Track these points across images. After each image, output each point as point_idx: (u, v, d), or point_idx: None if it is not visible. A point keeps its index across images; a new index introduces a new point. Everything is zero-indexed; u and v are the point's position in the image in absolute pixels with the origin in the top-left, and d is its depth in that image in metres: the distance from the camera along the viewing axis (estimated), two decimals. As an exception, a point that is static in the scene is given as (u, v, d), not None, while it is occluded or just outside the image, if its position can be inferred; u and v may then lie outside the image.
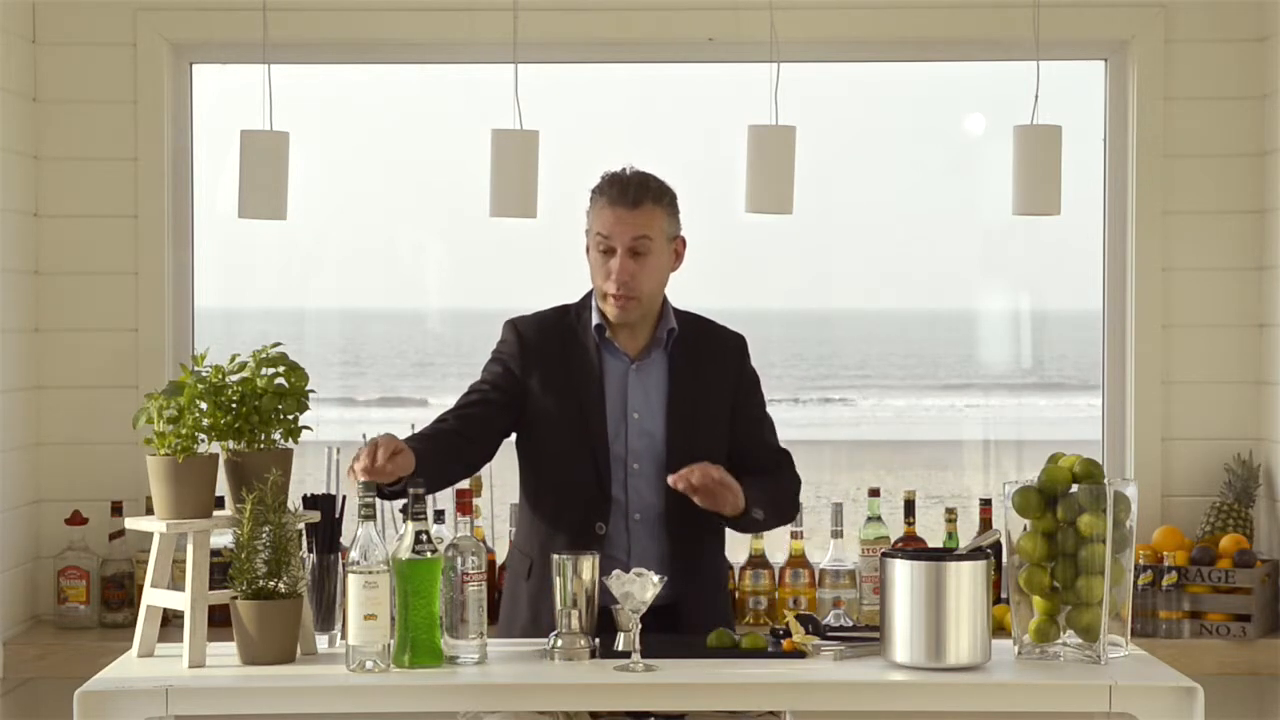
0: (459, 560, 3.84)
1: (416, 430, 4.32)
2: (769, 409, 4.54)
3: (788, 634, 3.97)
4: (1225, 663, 5.04)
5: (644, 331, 4.41)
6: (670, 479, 4.21)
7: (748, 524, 4.35)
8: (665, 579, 3.86)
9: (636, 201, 4.32)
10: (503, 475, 5.58)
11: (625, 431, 4.35)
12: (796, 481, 4.51)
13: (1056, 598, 3.87)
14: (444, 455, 4.24)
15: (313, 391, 3.98)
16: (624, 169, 4.40)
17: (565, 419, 4.35)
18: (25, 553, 5.25)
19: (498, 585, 5.31)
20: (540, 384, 4.38)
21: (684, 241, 4.43)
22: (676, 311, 4.46)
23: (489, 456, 4.47)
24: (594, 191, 4.39)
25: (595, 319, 4.39)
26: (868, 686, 3.73)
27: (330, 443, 5.30)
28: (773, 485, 4.41)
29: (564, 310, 4.47)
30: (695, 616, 4.27)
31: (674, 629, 4.20)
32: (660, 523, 4.33)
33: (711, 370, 4.42)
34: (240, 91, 5.23)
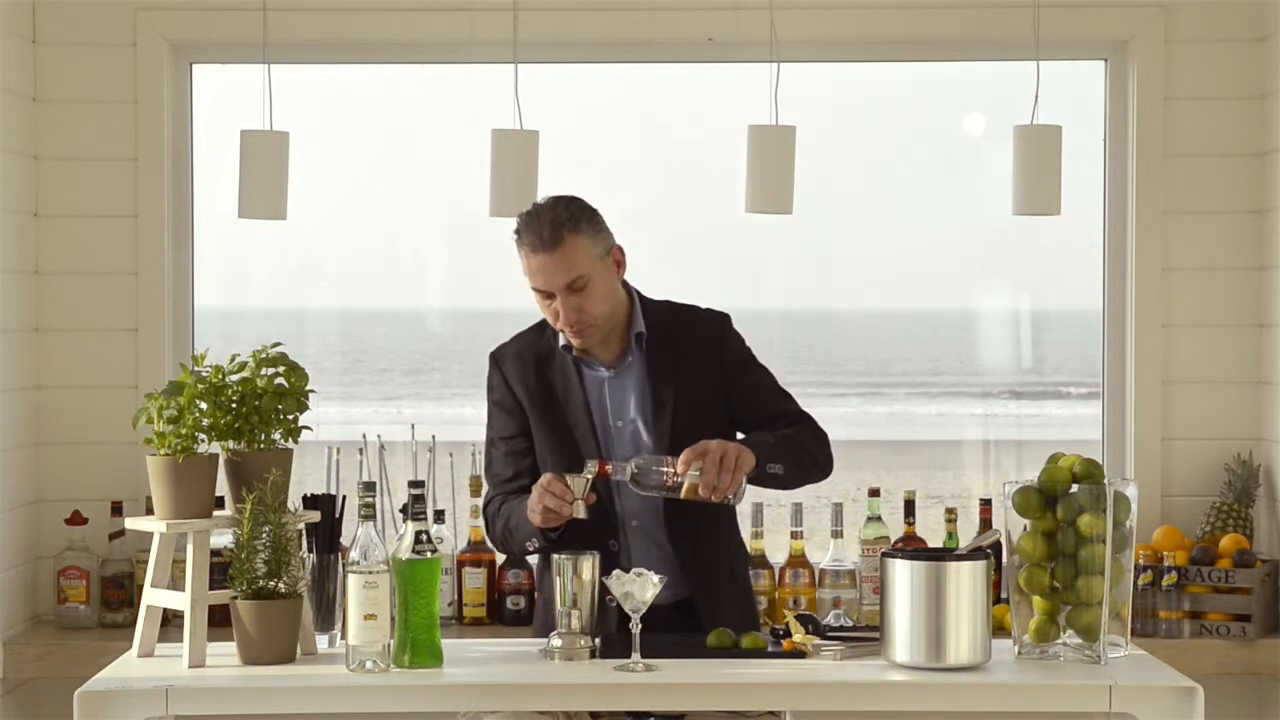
0: None
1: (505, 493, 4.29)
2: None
3: (788, 634, 3.97)
4: (1225, 663, 5.04)
5: (615, 341, 4.30)
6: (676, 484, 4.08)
7: (767, 481, 4.20)
8: (665, 579, 3.86)
9: (554, 241, 4.13)
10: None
11: (610, 442, 4.28)
12: (821, 436, 4.31)
13: (1056, 598, 3.86)
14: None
15: (313, 391, 3.98)
16: (535, 205, 4.21)
17: (559, 441, 4.29)
18: (25, 553, 5.25)
19: (498, 586, 5.32)
20: (532, 412, 4.32)
21: (620, 249, 4.27)
22: (651, 305, 4.34)
23: None
24: (514, 234, 4.21)
25: (563, 340, 4.29)
26: (868, 686, 3.73)
27: (330, 443, 5.31)
28: (788, 439, 4.23)
29: (542, 329, 4.36)
30: (710, 615, 4.20)
31: (691, 629, 4.15)
32: (658, 525, 4.26)
33: (692, 359, 4.30)
34: (240, 91, 5.23)
